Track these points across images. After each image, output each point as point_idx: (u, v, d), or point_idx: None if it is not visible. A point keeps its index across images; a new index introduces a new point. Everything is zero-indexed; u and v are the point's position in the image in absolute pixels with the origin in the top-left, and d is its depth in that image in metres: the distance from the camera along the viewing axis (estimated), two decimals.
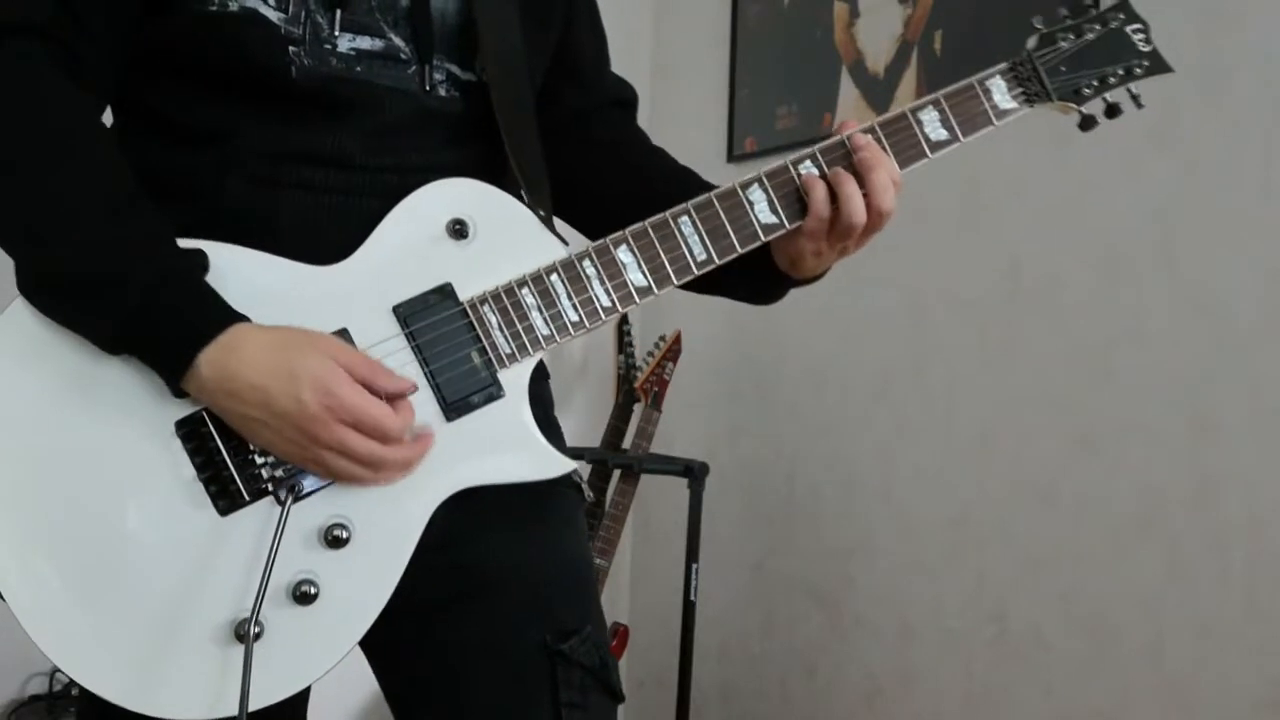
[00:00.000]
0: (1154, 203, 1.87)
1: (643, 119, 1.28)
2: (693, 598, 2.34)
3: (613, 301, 1.01)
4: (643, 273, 1.01)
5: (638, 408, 2.49)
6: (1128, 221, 1.91)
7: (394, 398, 0.93)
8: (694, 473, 2.38)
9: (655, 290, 1.01)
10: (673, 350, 2.49)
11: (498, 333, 0.98)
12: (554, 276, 1.00)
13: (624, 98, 1.25)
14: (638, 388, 2.47)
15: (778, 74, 2.64)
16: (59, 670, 2.22)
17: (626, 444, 2.51)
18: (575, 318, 1.00)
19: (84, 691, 0.93)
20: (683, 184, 1.07)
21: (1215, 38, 1.80)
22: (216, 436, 0.92)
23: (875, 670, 2.34)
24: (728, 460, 2.68)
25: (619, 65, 1.27)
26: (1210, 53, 1.80)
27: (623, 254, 1.01)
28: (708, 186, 1.06)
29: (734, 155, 2.75)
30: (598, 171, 1.15)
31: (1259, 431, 1.73)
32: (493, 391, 0.98)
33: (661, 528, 2.87)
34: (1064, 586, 1.99)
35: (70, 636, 0.90)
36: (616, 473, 2.44)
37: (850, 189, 0.99)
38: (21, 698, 2.21)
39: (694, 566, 2.34)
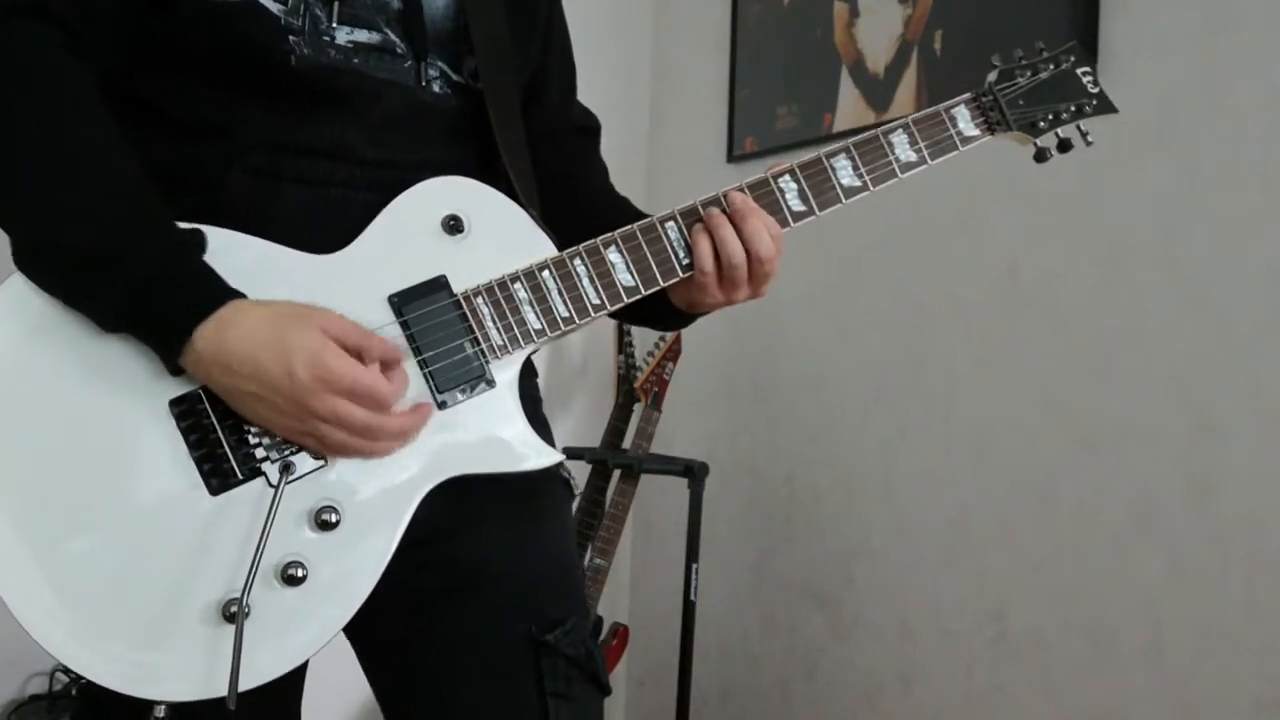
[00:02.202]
0: (1154, 203, 1.87)
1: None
2: (693, 598, 2.34)
3: (602, 299, 1.04)
4: (630, 273, 1.05)
5: (638, 408, 2.49)
6: (1128, 222, 1.91)
7: (386, 364, 0.95)
8: (694, 473, 2.38)
9: (642, 290, 1.06)
10: (673, 350, 2.49)
11: (490, 325, 1.01)
12: (545, 273, 1.03)
13: (584, 125, 1.28)
14: (638, 388, 2.47)
15: (778, 74, 2.64)
16: (59, 670, 2.24)
17: (626, 444, 2.51)
18: (565, 313, 1.03)
19: (83, 684, 0.93)
20: (612, 219, 1.10)
21: (1215, 38, 1.80)
22: (212, 414, 0.93)
23: (875, 670, 2.34)
24: (728, 460, 2.68)
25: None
26: (1210, 53, 1.80)
27: (612, 254, 1.05)
28: (641, 219, 1.10)
29: (734, 155, 2.75)
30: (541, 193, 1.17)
31: (1259, 431, 1.73)
32: (484, 382, 1.01)
33: (661, 528, 2.88)
34: (1064, 586, 1.99)
35: (65, 623, 0.90)
36: (616, 473, 2.44)
37: (725, 232, 1.05)
38: (21, 698, 2.21)
39: (694, 566, 2.34)
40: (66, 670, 2.16)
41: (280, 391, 0.90)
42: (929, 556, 2.24)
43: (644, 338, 2.58)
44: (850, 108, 2.43)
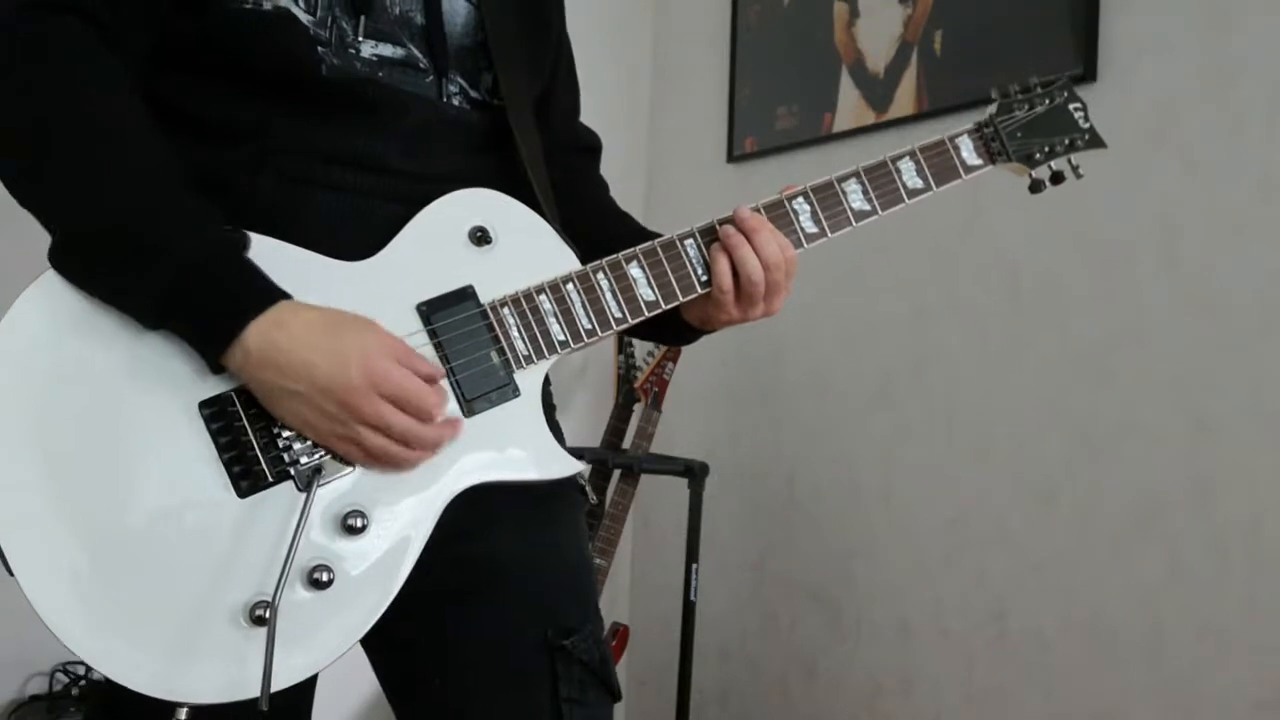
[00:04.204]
0: (1154, 203, 1.87)
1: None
2: (693, 598, 2.34)
3: (623, 313, 1.07)
4: (651, 288, 1.08)
5: (638, 408, 2.49)
6: (1128, 222, 1.91)
7: (427, 381, 0.96)
8: (694, 473, 2.38)
9: (662, 305, 1.09)
10: (673, 351, 2.49)
11: (516, 334, 1.03)
12: (570, 285, 1.05)
13: (588, 144, 1.31)
14: (638, 388, 2.47)
15: (778, 74, 2.64)
16: (59, 670, 2.24)
17: (626, 444, 2.51)
18: (588, 325, 1.05)
19: (92, 683, 0.92)
20: (617, 233, 1.14)
21: (1216, 37, 1.80)
22: (244, 416, 0.94)
23: (875, 670, 2.34)
24: (728, 460, 2.68)
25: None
26: (1210, 52, 1.80)
27: (634, 270, 1.07)
28: (646, 235, 1.13)
29: (734, 155, 2.75)
30: None
31: (1259, 431, 1.73)
32: (509, 390, 1.02)
33: (661, 528, 2.88)
34: (1064, 586, 1.99)
35: (90, 623, 0.89)
36: (616, 473, 2.44)
37: (744, 251, 1.08)
38: (22, 698, 2.21)
39: (694, 566, 2.35)
40: (66, 670, 2.19)
41: (329, 392, 0.91)
42: (929, 556, 2.24)
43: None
44: (850, 108, 2.43)
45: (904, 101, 2.31)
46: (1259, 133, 1.74)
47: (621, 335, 2.59)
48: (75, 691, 2.17)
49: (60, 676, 2.20)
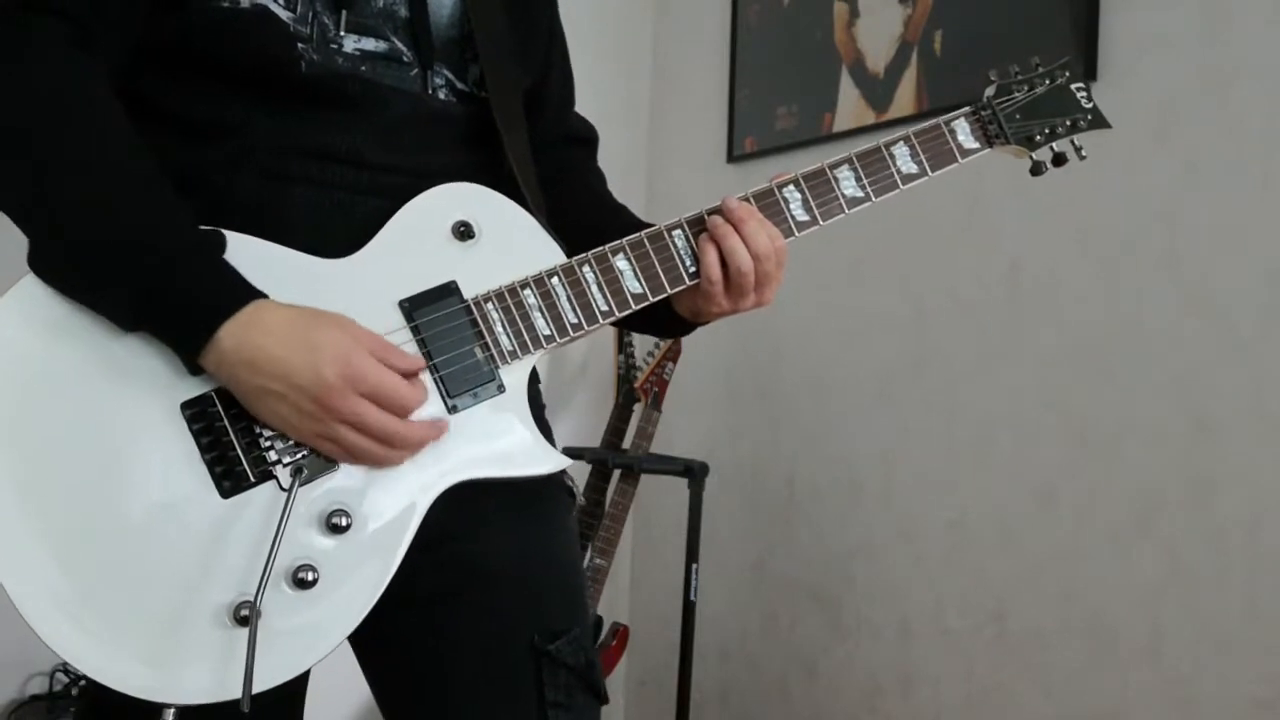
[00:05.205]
0: (1154, 203, 1.87)
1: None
2: (693, 598, 2.34)
3: (610, 306, 1.05)
4: (639, 281, 1.06)
5: (638, 408, 2.49)
6: (1128, 222, 1.91)
7: (407, 375, 0.96)
8: (694, 473, 2.38)
9: (650, 297, 1.07)
10: (672, 351, 2.49)
11: (500, 330, 1.02)
12: (555, 279, 1.04)
13: (583, 135, 1.30)
14: (637, 388, 2.47)
15: (778, 74, 2.64)
16: (59, 670, 2.24)
17: (626, 444, 2.51)
18: (575, 319, 1.04)
19: (85, 686, 0.92)
20: (610, 224, 1.12)
21: (1216, 37, 1.80)
22: (224, 416, 0.93)
23: (875, 670, 2.34)
24: (728, 460, 2.68)
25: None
26: (1211, 52, 1.80)
27: (620, 262, 1.06)
28: (641, 226, 1.11)
29: (734, 156, 2.75)
30: None
31: (1259, 431, 1.73)
32: (494, 386, 1.01)
33: (661, 528, 2.88)
34: (1064, 586, 1.99)
35: (76, 626, 0.89)
36: (616, 473, 2.44)
37: (732, 241, 1.06)
38: (22, 698, 2.21)
39: (694, 566, 2.34)
40: (66, 670, 2.19)
41: (305, 390, 0.90)
42: (929, 556, 2.24)
43: (644, 338, 2.57)
44: (850, 108, 2.43)
45: (904, 101, 2.30)
46: (1259, 133, 1.74)
47: (620, 333, 2.60)
48: (75, 691, 2.17)
49: (60, 676, 2.20)
